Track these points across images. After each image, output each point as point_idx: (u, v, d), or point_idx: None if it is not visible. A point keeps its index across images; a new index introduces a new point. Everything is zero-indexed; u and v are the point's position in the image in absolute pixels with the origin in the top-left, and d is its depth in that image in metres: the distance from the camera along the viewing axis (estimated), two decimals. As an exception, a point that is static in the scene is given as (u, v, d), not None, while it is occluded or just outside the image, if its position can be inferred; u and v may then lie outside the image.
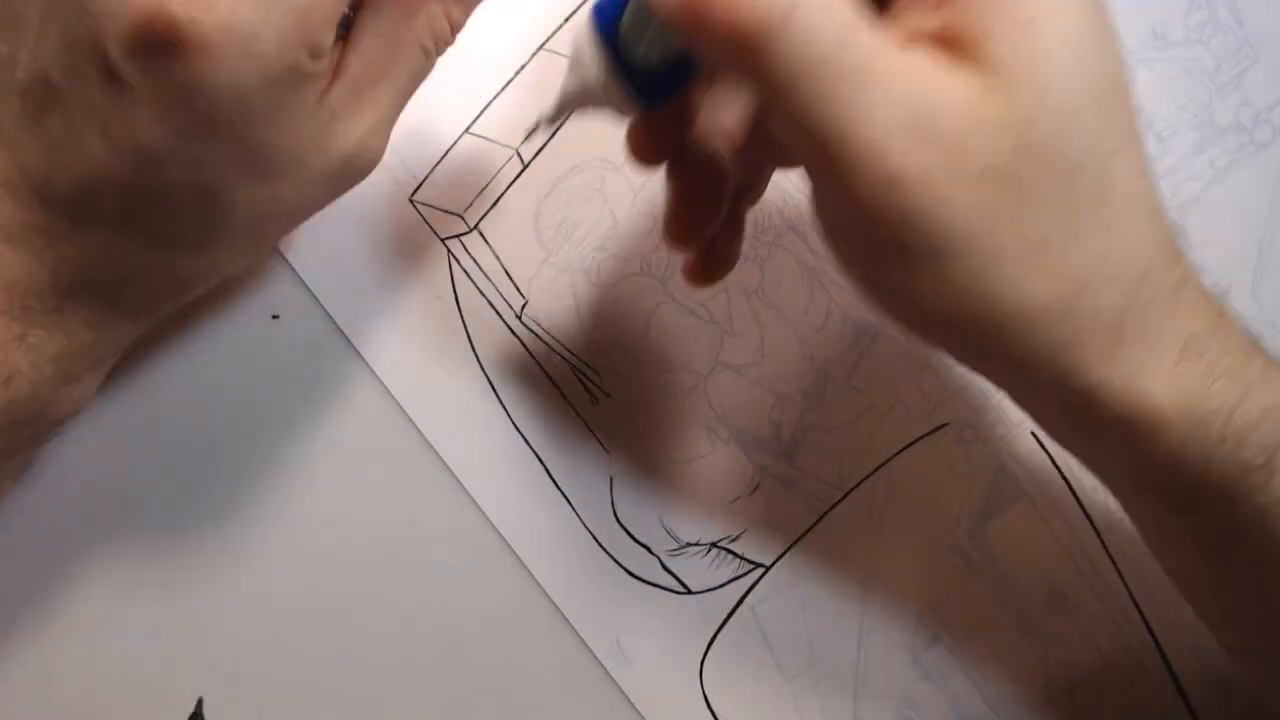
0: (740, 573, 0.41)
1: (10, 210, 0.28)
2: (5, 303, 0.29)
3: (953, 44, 0.24)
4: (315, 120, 0.29)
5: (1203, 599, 0.33)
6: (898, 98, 0.23)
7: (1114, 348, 0.25)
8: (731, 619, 0.41)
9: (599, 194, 0.39)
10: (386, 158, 0.32)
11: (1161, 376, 0.25)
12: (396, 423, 0.39)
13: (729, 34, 0.22)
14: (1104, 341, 0.25)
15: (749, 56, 0.23)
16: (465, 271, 0.39)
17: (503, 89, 0.38)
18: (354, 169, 0.31)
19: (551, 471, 0.40)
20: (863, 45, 0.23)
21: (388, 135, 0.31)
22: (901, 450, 0.41)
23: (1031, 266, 0.24)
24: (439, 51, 0.31)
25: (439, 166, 0.38)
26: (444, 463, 0.39)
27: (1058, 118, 0.24)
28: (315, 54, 0.27)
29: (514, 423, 0.39)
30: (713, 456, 0.40)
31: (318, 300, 0.38)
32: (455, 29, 0.31)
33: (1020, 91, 0.23)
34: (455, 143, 0.38)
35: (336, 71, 0.29)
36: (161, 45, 0.25)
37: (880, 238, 0.24)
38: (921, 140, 0.23)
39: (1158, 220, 0.25)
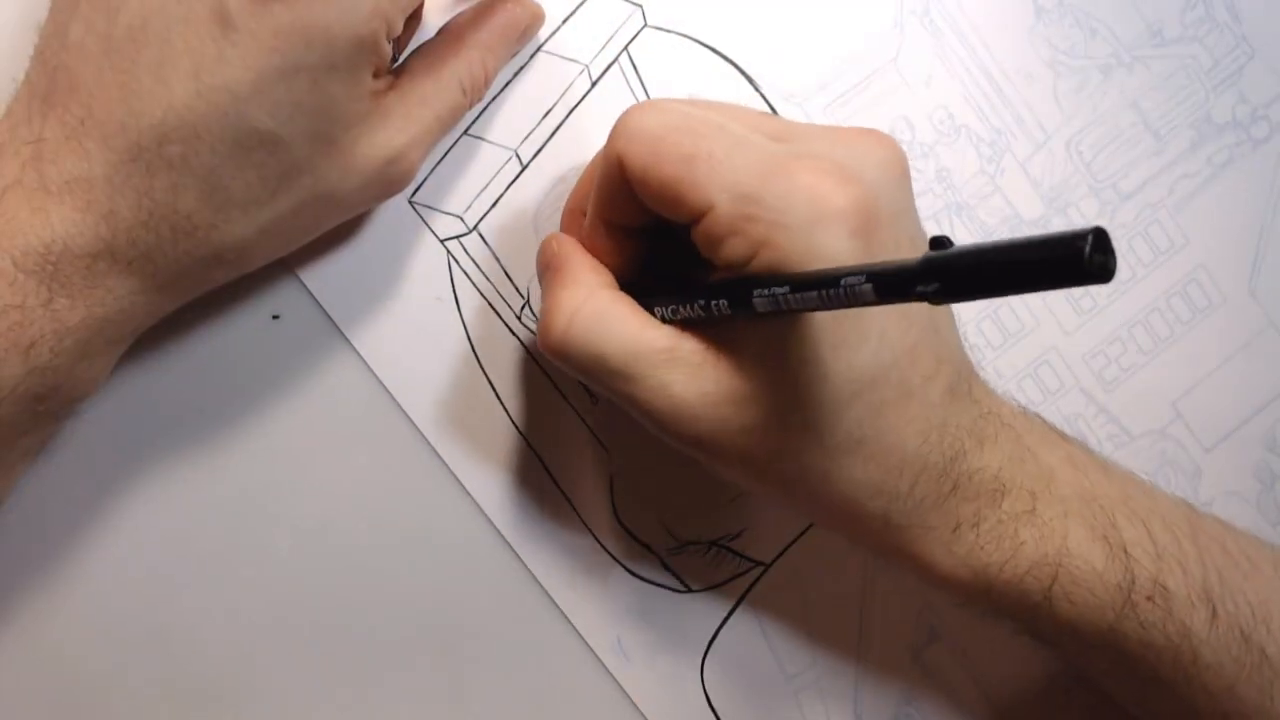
0: (740, 571, 0.41)
1: (69, 163, 0.30)
2: (39, 263, 0.30)
3: (723, 334, 0.32)
4: (373, 109, 0.32)
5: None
6: (654, 390, 0.32)
7: (885, 531, 0.33)
8: (732, 617, 0.42)
9: (598, 194, 0.39)
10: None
11: (938, 545, 0.34)
12: (396, 423, 0.39)
13: (548, 355, 0.33)
14: (875, 525, 0.33)
15: (559, 364, 0.33)
16: (465, 272, 0.39)
17: (502, 89, 0.38)
18: (391, 174, 0.34)
19: (551, 471, 0.40)
20: (627, 346, 0.32)
21: (424, 156, 0.35)
22: (901, 448, 0.41)
23: (806, 484, 0.32)
24: (472, 95, 0.36)
25: (438, 167, 0.38)
26: (444, 463, 0.39)
27: (790, 405, 0.31)
28: (389, 35, 0.31)
29: (514, 423, 0.40)
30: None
31: (318, 300, 0.38)
32: (488, 77, 0.36)
33: (759, 384, 0.31)
34: (454, 143, 0.38)
35: (391, 86, 0.33)
36: None
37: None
38: (676, 420, 0.32)
39: (921, 452, 0.32)
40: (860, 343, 0.31)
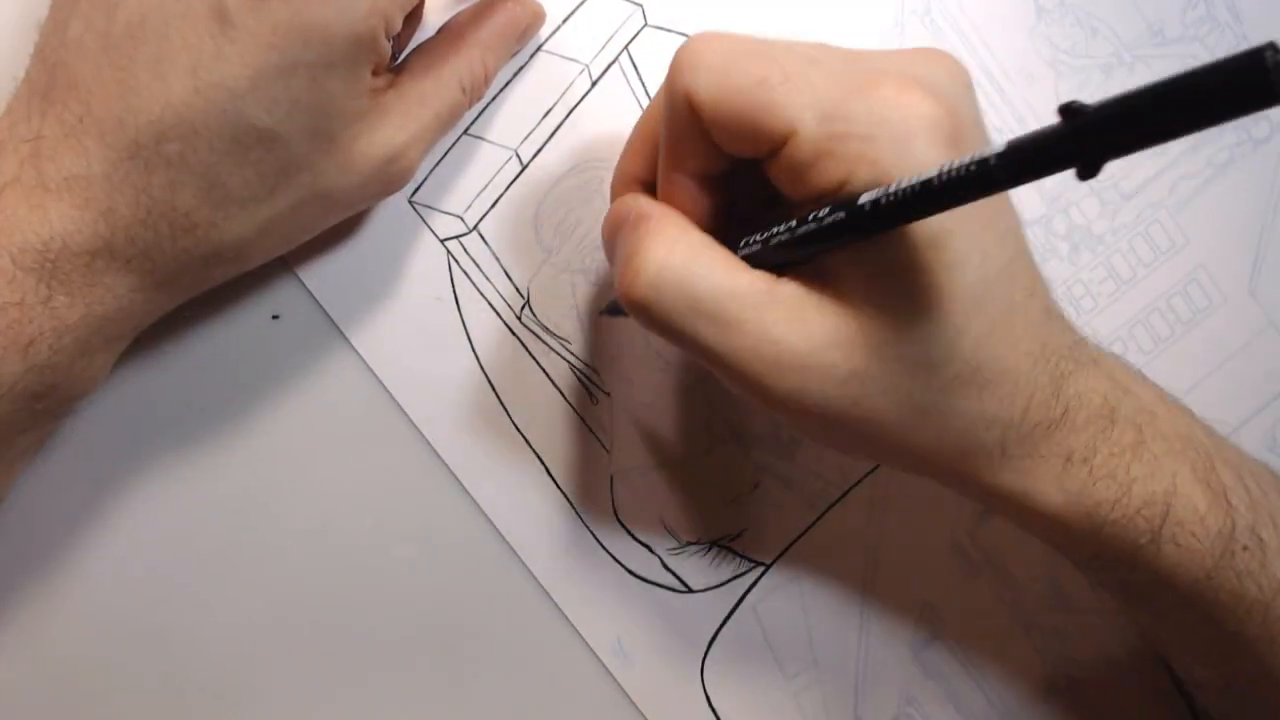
0: (741, 571, 0.41)
1: (68, 161, 0.30)
2: (38, 260, 0.30)
3: (820, 275, 0.30)
4: (372, 107, 0.32)
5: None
6: (755, 335, 0.29)
7: (1001, 463, 0.32)
8: (732, 617, 0.42)
9: (599, 194, 0.39)
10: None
11: (1049, 480, 0.32)
12: (396, 423, 0.39)
13: (634, 307, 0.30)
14: (990, 460, 0.32)
15: (643, 319, 0.30)
16: (465, 272, 0.39)
17: (502, 89, 0.38)
18: (390, 173, 0.34)
19: (551, 471, 0.40)
20: (724, 288, 0.29)
21: (423, 155, 0.35)
22: (901, 448, 0.41)
23: (915, 427, 0.31)
24: (472, 94, 0.36)
25: (438, 167, 0.38)
26: (444, 463, 0.39)
27: (902, 339, 0.29)
28: (388, 32, 0.31)
29: (514, 422, 0.39)
30: (713, 455, 0.40)
31: (318, 300, 0.38)
32: (489, 76, 0.36)
33: (867, 321, 0.29)
34: (454, 143, 0.38)
35: (391, 84, 0.33)
36: None
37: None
38: (778, 369, 0.29)
39: (1032, 375, 0.31)
40: (965, 261, 0.29)
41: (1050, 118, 0.23)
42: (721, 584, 0.41)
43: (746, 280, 0.29)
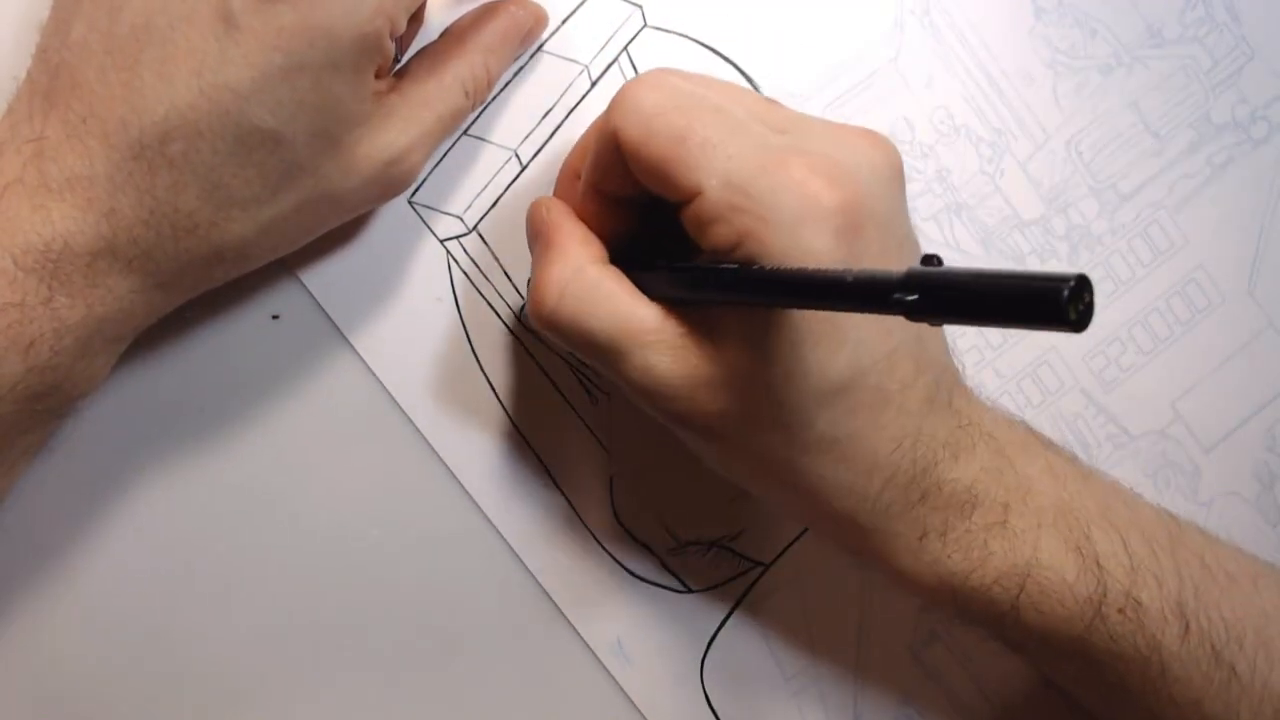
0: (740, 571, 0.41)
1: (71, 161, 0.30)
2: (39, 261, 0.30)
3: (707, 317, 0.32)
4: (375, 109, 0.33)
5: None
6: (640, 369, 0.32)
7: (854, 529, 0.34)
8: (732, 617, 0.42)
9: (598, 194, 0.39)
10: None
11: (904, 549, 0.34)
12: (396, 423, 0.39)
13: (538, 328, 0.33)
14: (844, 524, 0.34)
15: (551, 337, 0.33)
16: (464, 273, 0.39)
17: (501, 89, 0.38)
18: (393, 175, 0.34)
19: (551, 471, 0.40)
20: (615, 324, 0.32)
21: (426, 158, 0.35)
22: (901, 448, 0.41)
23: (775, 477, 0.33)
24: (475, 97, 0.36)
25: (437, 168, 0.38)
26: (444, 463, 0.39)
27: (764, 398, 0.31)
28: (392, 34, 0.31)
29: (514, 423, 0.40)
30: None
31: (317, 301, 0.38)
32: (491, 79, 0.36)
33: (736, 373, 0.31)
34: (454, 144, 0.38)
35: (393, 87, 0.34)
36: None
37: None
38: (659, 397, 0.32)
39: (893, 459, 0.32)
40: (839, 345, 0.31)
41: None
42: (721, 584, 0.41)
43: (638, 317, 0.32)
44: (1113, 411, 0.43)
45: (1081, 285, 0.21)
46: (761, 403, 0.31)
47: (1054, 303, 0.21)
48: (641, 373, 0.32)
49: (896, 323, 0.31)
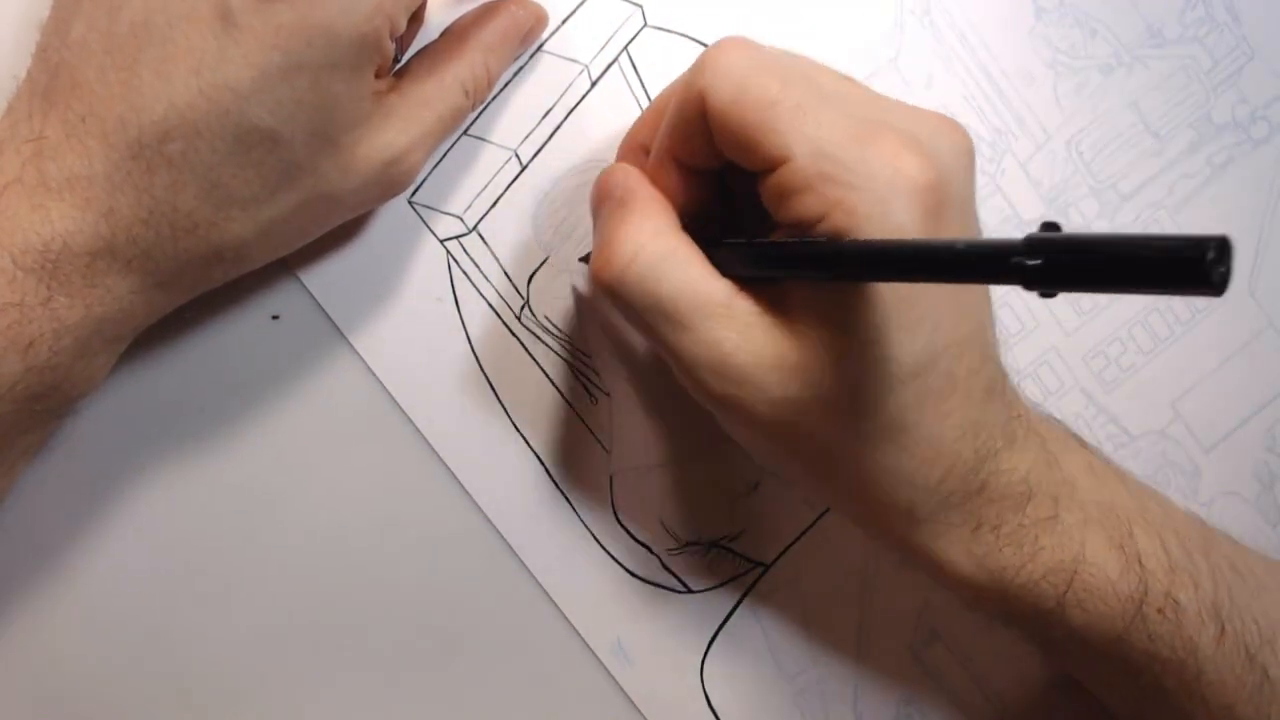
0: (740, 571, 0.41)
1: (70, 161, 0.30)
2: (38, 260, 0.30)
3: (781, 297, 0.31)
4: (375, 109, 0.32)
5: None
6: (704, 343, 0.31)
7: (909, 522, 0.33)
8: (732, 618, 0.42)
9: (598, 194, 0.39)
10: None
11: (957, 543, 0.33)
12: (396, 423, 0.39)
13: (602, 288, 0.32)
14: (900, 516, 0.33)
15: (610, 301, 0.32)
16: (464, 273, 0.39)
17: (501, 89, 0.38)
18: (392, 175, 0.34)
19: (551, 471, 0.40)
20: (685, 293, 0.31)
21: (426, 158, 0.35)
22: (901, 448, 0.41)
23: (831, 465, 0.32)
24: (475, 97, 0.36)
25: (437, 168, 0.38)
26: (444, 463, 0.39)
27: (835, 383, 0.30)
28: (392, 33, 0.31)
29: (514, 423, 0.40)
30: (712, 455, 0.40)
31: (317, 300, 0.38)
32: (491, 79, 0.36)
33: (808, 356, 0.31)
34: (454, 144, 0.38)
35: (393, 87, 0.33)
36: None
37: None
38: (719, 376, 0.31)
39: (956, 447, 0.32)
40: (916, 327, 0.30)
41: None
42: (721, 584, 0.41)
43: (707, 289, 0.31)
44: (1113, 411, 0.43)
45: (1223, 247, 0.20)
46: (830, 387, 0.30)
47: (1197, 265, 0.20)
48: (707, 347, 0.31)
49: (969, 309, 0.31)
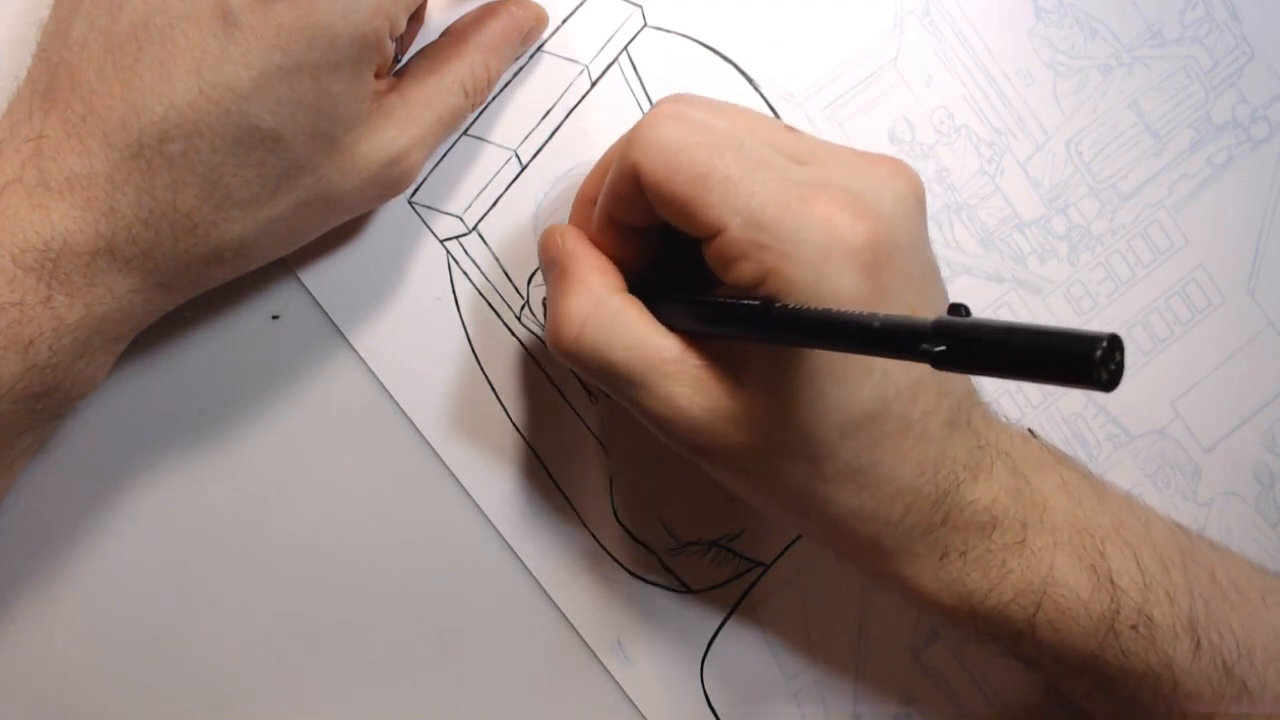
0: (740, 571, 0.41)
1: (70, 160, 0.30)
2: (38, 260, 0.30)
3: (730, 350, 0.32)
4: (375, 109, 0.32)
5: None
6: (660, 399, 0.32)
7: (875, 553, 0.34)
8: (732, 618, 0.42)
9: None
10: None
11: (924, 569, 0.34)
12: (396, 423, 0.39)
13: (560, 358, 0.33)
14: (865, 548, 0.34)
15: (572, 367, 0.33)
16: (464, 273, 0.39)
17: (501, 89, 0.38)
18: (392, 175, 0.34)
19: (551, 471, 0.40)
20: (636, 355, 0.32)
21: (425, 158, 0.35)
22: (901, 448, 0.41)
23: (795, 506, 0.33)
24: (475, 97, 0.36)
25: (437, 168, 0.38)
26: (444, 463, 0.39)
27: (789, 433, 0.31)
28: (392, 33, 0.31)
29: (513, 423, 0.40)
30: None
31: (317, 300, 0.38)
32: (491, 79, 0.36)
33: (761, 408, 0.31)
34: (454, 144, 0.38)
35: (393, 87, 0.34)
36: None
37: None
38: (678, 428, 0.32)
39: (916, 484, 0.32)
40: (863, 378, 0.31)
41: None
42: (721, 584, 0.41)
43: (658, 347, 0.32)
44: (1112, 411, 0.43)
45: (1113, 346, 0.21)
46: (784, 435, 0.31)
47: (1085, 362, 0.21)
48: (663, 404, 0.32)
49: None
